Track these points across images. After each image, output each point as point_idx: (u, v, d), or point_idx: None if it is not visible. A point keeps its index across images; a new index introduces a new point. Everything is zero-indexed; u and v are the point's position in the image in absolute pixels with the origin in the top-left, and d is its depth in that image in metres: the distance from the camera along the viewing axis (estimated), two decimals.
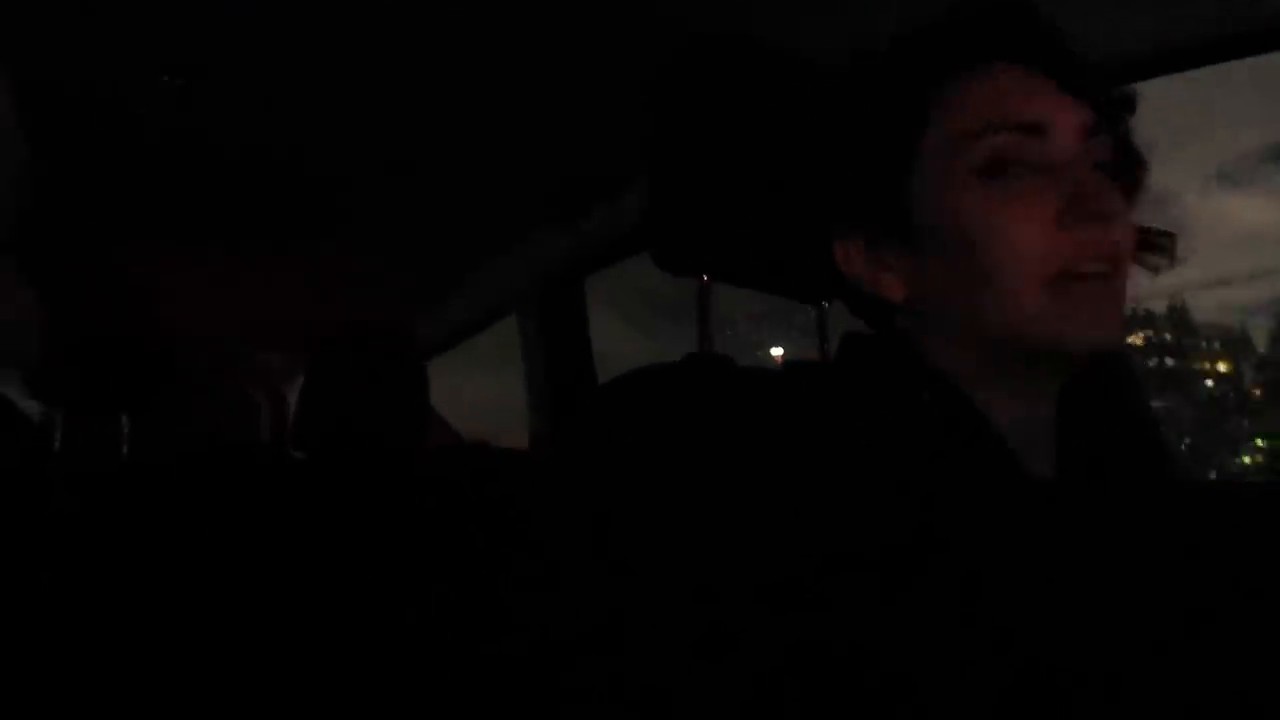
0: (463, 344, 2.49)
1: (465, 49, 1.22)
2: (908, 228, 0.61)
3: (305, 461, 1.42)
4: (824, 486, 0.51)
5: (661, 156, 0.74)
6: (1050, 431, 0.63)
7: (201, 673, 1.07)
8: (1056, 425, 0.63)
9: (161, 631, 1.07)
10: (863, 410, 0.57)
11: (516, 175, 1.63)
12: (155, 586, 1.09)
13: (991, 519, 0.53)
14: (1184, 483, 0.69)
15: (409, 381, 1.42)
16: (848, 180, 0.63)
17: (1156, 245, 0.64)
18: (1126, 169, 0.63)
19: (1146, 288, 0.63)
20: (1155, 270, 0.64)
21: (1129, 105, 0.63)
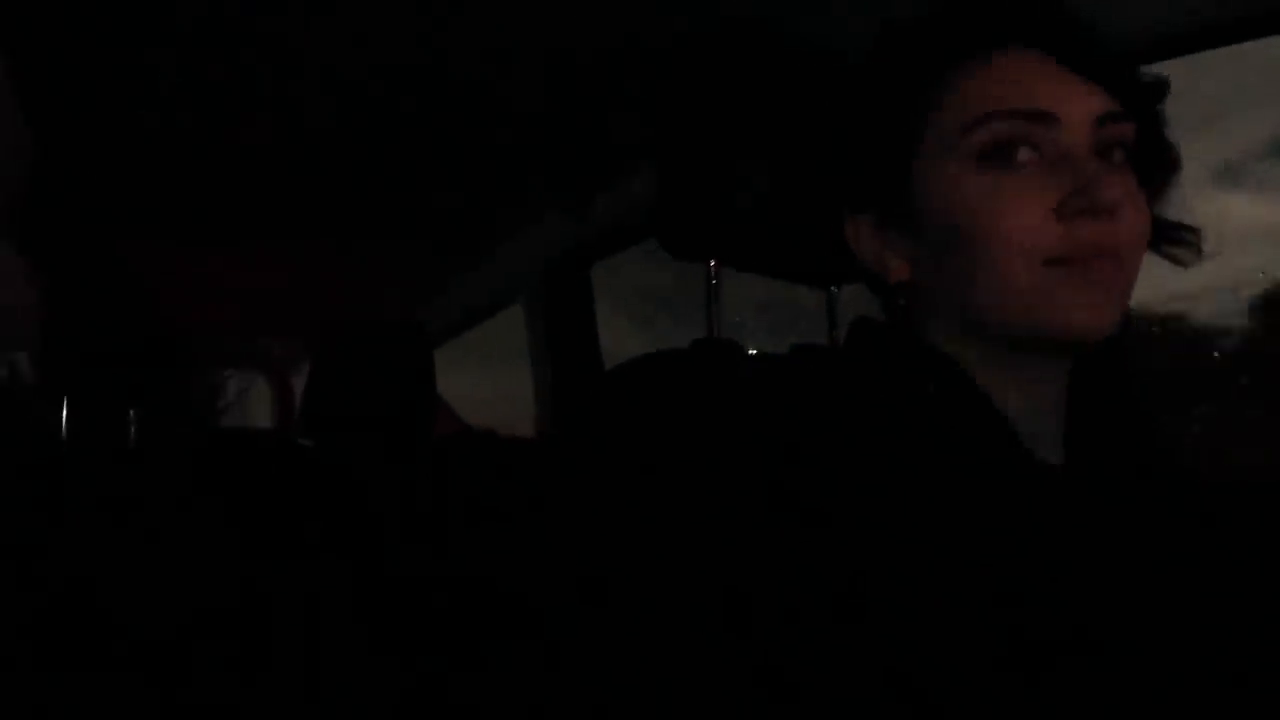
0: (465, 340, 2.49)
1: (472, 31, 1.22)
2: (911, 212, 0.61)
3: (312, 449, 1.42)
4: (832, 472, 0.51)
5: (670, 142, 0.74)
6: (1059, 419, 0.63)
7: (209, 659, 1.08)
8: (1066, 414, 0.63)
9: (168, 618, 1.07)
10: (870, 396, 0.56)
11: (522, 160, 1.63)
12: (162, 573, 1.09)
13: (999, 505, 0.53)
14: (1191, 474, 0.68)
15: (415, 368, 1.42)
16: (856, 161, 0.64)
17: (1179, 239, 0.63)
18: (1151, 157, 0.62)
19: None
20: (1182, 264, 0.64)
21: (1157, 91, 0.62)
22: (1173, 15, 0.87)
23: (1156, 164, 0.63)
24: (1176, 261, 0.64)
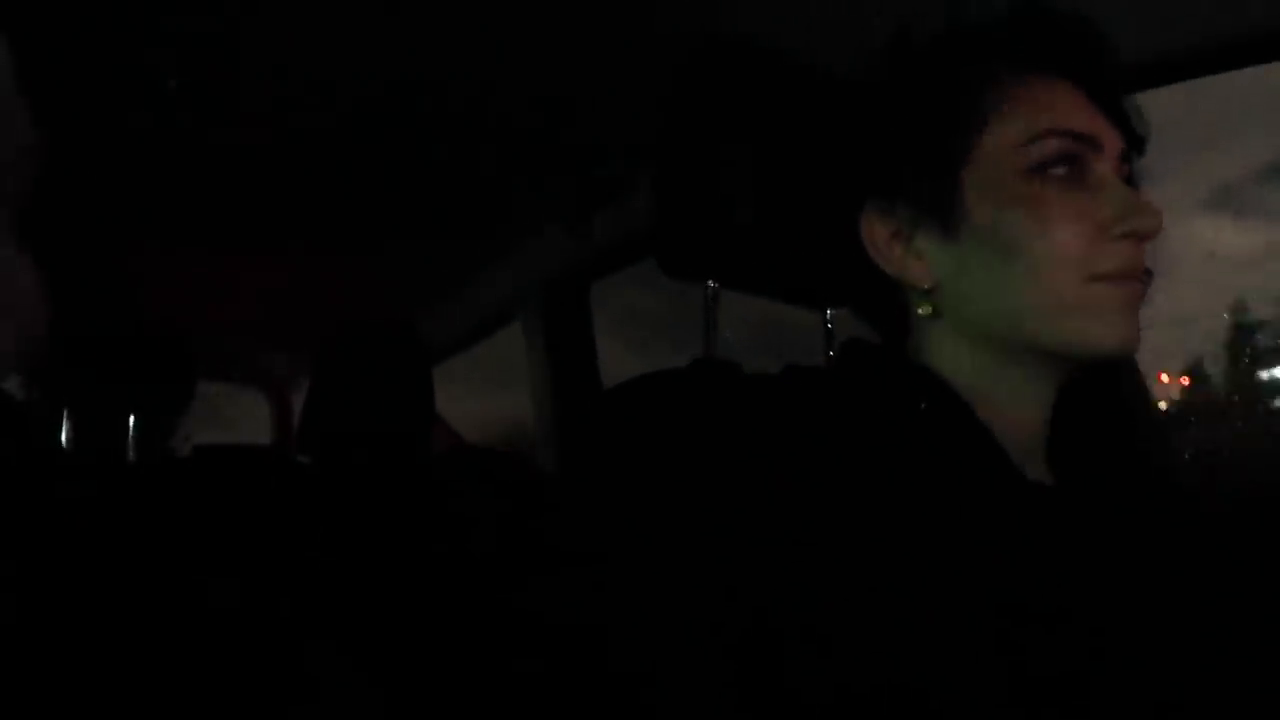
0: (463, 358, 2.49)
1: (472, 48, 1.22)
2: (952, 216, 0.62)
3: (309, 466, 1.42)
4: (825, 493, 0.51)
5: (669, 161, 0.74)
6: (1044, 436, 0.64)
7: (206, 672, 1.07)
8: (1050, 431, 0.64)
9: (162, 634, 1.07)
10: (862, 417, 0.57)
11: (521, 177, 1.64)
12: (157, 588, 1.09)
13: (992, 523, 0.53)
14: (1181, 488, 0.69)
15: (413, 385, 1.42)
16: (899, 160, 0.65)
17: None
18: None
19: None
20: None
21: (1143, 142, 0.66)
22: (1164, 41, 0.88)
23: None
24: None
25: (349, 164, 1.59)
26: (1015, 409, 0.62)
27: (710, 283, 0.76)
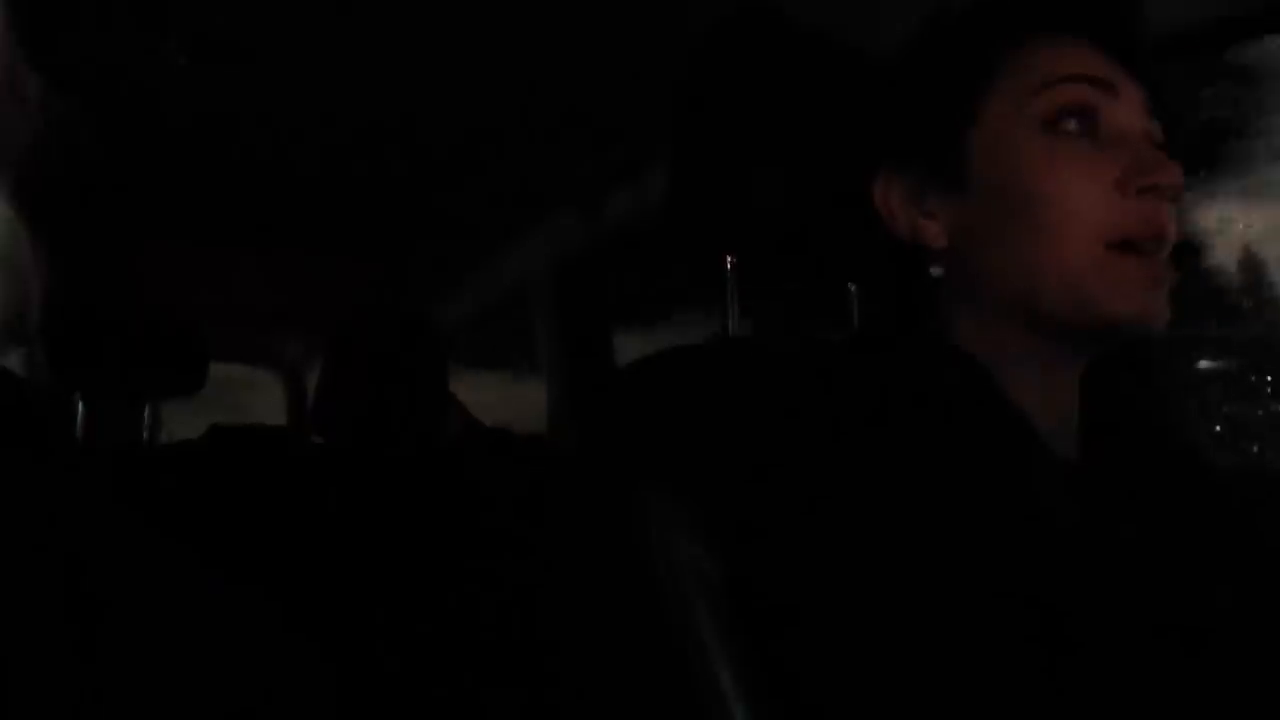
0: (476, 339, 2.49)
1: (485, 29, 1.21)
2: (963, 173, 0.60)
3: (324, 447, 1.42)
4: (845, 469, 0.51)
5: (683, 136, 0.73)
6: (1074, 412, 0.62)
7: (219, 657, 1.08)
8: (1080, 407, 0.63)
9: (178, 616, 1.07)
10: (887, 391, 0.56)
11: (533, 160, 1.63)
12: (172, 570, 1.09)
13: (1018, 500, 0.52)
14: (1210, 466, 0.67)
15: (427, 366, 1.42)
16: (908, 121, 0.63)
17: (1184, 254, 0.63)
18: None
19: None
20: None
21: (1175, 102, 0.64)
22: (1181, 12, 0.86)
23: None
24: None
25: (361, 149, 1.58)
26: (1042, 385, 0.60)
27: (729, 258, 0.75)
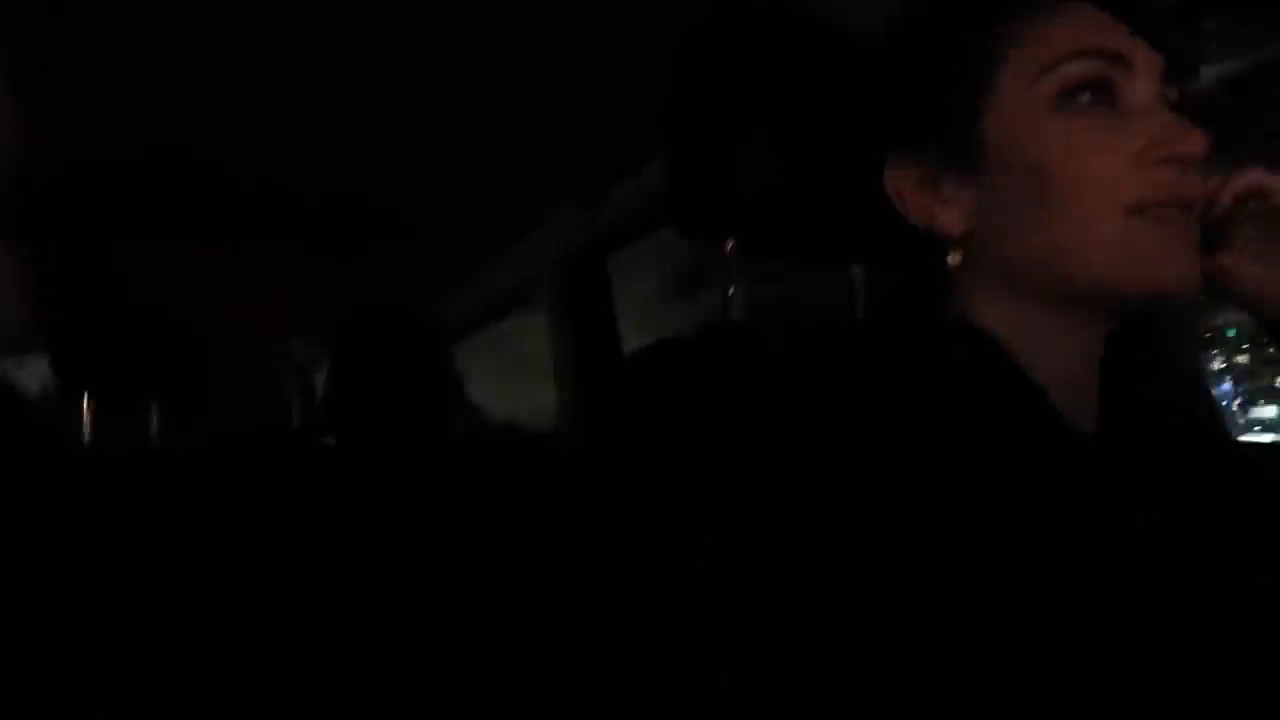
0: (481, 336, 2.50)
1: (483, 23, 1.21)
2: (978, 156, 0.59)
3: (333, 447, 1.42)
4: (859, 452, 0.50)
5: (680, 120, 0.72)
6: (1094, 387, 0.61)
7: (232, 658, 1.08)
8: (1101, 381, 0.62)
9: (188, 618, 1.07)
10: (899, 373, 0.55)
11: (535, 152, 1.62)
12: (182, 571, 1.10)
13: (1035, 477, 0.51)
14: (1230, 442, 0.66)
15: (434, 364, 1.42)
16: (919, 104, 0.62)
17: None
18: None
19: None
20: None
21: (1195, 66, 0.62)
22: None
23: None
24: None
25: (363, 146, 1.58)
26: (1060, 360, 0.59)
27: (729, 243, 0.74)
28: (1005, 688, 0.46)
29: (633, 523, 0.55)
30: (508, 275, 2.19)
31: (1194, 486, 0.58)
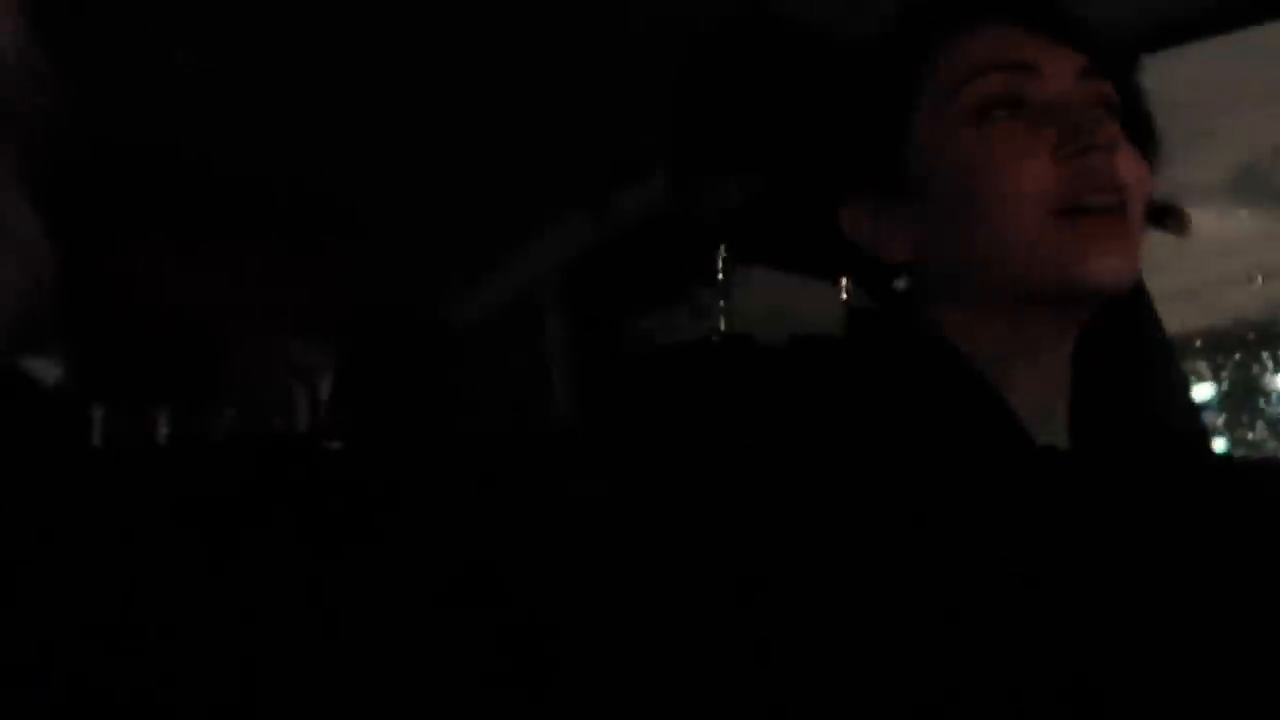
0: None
1: (489, 28, 1.22)
2: (907, 183, 0.62)
3: (339, 451, 1.43)
4: (837, 462, 0.51)
5: (683, 135, 0.74)
6: (1064, 399, 0.63)
7: (237, 659, 1.09)
8: (1070, 394, 0.63)
9: (190, 618, 1.08)
10: (871, 386, 0.57)
11: (541, 156, 1.63)
12: (185, 573, 1.11)
13: (1001, 491, 0.52)
14: (1202, 454, 0.67)
15: (440, 367, 1.43)
16: (849, 142, 0.65)
17: (1166, 214, 0.64)
18: (1135, 127, 0.62)
19: None
20: (1176, 233, 0.64)
21: (1131, 58, 0.65)
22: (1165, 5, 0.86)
23: (1141, 135, 0.63)
24: (1170, 231, 0.64)
25: (368, 150, 1.59)
26: (1024, 368, 0.61)
27: (722, 252, 0.76)
28: (970, 704, 0.47)
29: (632, 523, 0.56)
30: (513, 278, 2.20)
31: (1163, 499, 0.59)
